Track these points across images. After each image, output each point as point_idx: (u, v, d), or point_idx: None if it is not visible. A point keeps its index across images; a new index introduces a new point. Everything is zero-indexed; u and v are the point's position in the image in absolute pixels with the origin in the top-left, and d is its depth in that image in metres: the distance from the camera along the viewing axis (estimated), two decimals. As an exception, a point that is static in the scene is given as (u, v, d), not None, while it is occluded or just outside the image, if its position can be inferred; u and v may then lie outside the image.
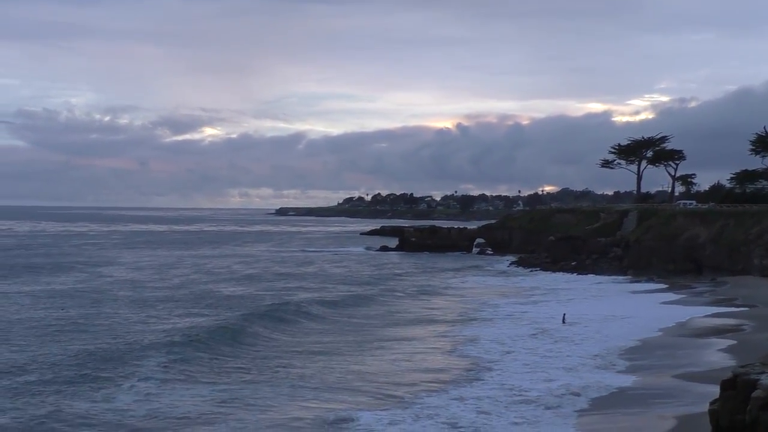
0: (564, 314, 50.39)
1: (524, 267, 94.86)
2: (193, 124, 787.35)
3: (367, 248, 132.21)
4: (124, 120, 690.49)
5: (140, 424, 26.13)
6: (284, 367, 35.51)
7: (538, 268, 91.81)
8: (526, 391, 31.16)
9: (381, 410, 28.12)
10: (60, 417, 26.50)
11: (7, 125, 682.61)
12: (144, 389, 30.42)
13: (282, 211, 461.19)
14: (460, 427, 26.32)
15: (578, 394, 30.41)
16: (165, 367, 34.40)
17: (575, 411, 28.31)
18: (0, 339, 40.75)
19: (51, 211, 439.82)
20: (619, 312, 53.65)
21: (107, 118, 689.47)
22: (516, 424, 26.77)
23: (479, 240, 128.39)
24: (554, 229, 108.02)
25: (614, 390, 31.29)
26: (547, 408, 28.65)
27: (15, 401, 28.46)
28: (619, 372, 34.91)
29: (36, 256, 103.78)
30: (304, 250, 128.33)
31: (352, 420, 26.54)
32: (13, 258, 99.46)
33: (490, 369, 35.49)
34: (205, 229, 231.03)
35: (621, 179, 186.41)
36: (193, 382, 32.16)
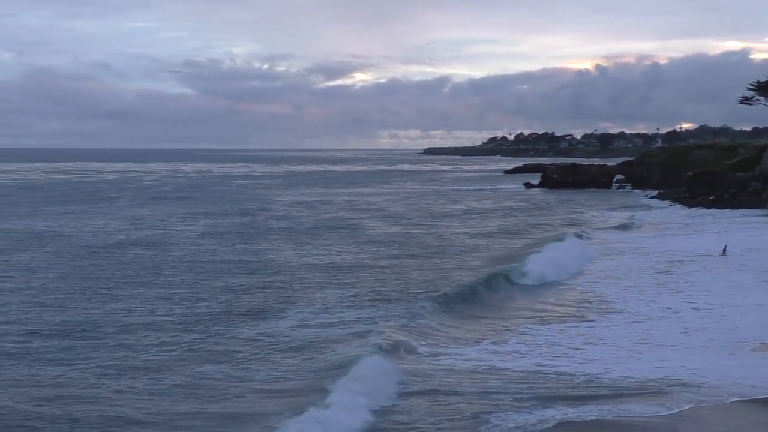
0: (725, 246, 48.59)
1: (663, 201, 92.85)
2: (345, 70, 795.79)
3: (512, 185, 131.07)
4: (281, 68, 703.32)
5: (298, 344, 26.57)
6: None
7: (676, 203, 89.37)
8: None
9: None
10: (225, 342, 27.13)
11: (176, 74, 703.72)
12: (304, 318, 30.83)
13: (430, 151, 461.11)
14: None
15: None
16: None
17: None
18: (176, 273, 41.95)
19: (215, 154, 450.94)
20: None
21: (266, 66, 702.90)
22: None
23: (618, 176, 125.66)
24: (692, 165, 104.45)
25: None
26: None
27: (187, 334, 29.03)
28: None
29: (204, 195, 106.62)
30: (454, 188, 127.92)
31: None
32: (183, 196, 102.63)
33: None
34: (357, 169, 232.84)
35: (759, 116, 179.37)
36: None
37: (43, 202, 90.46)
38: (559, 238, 52.81)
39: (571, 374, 23.66)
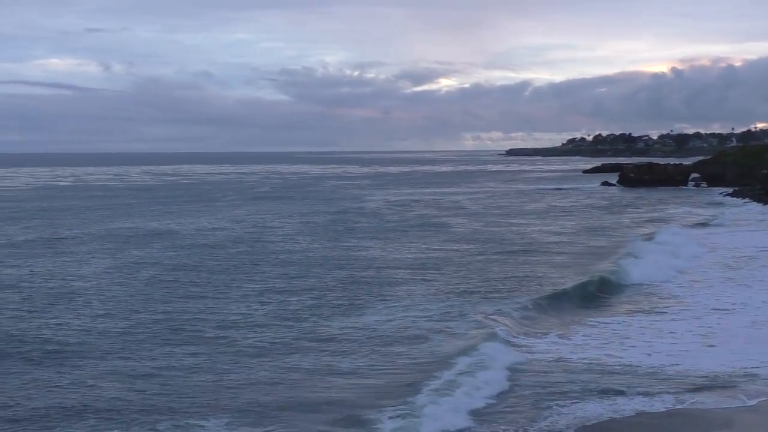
0: None
1: (738, 198, 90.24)
2: (430, 76, 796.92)
3: (590, 184, 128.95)
4: (370, 74, 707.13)
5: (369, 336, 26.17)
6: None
7: (751, 200, 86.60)
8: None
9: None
10: (312, 336, 26.83)
11: (273, 82, 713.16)
12: (387, 312, 30.44)
13: (512, 152, 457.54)
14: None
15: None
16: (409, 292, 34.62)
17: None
18: (272, 268, 41.98)
19: (310, 156, 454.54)
20: None
21: (356, 73, 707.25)
22: None
23: (694, 174, 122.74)
24: (767, 164, 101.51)
25: None
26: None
27: (276, 326, 28.87)
28: None
29: (300, 195, 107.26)
30: (536, 187, 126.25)
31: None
32: (280, 196, 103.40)
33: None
34: (443, 169, 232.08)
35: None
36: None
37: (152, 202, 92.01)
38: (644, 238, 51.14)
39: (637, 365, 22.98)
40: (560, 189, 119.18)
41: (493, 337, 25.54)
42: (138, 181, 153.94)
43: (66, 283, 36.39)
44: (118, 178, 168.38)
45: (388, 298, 32.75)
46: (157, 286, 35.66)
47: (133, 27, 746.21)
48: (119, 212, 76.52)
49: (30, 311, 30.08)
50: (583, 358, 23.92)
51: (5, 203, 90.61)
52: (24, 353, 24.14)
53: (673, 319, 29.33)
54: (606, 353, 24.56)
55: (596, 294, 34.60)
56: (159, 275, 38.57)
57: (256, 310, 30.59)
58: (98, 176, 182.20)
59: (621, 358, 23.99)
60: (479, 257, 45.06)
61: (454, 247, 49.62)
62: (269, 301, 32.42)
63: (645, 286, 36.48)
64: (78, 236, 55.22)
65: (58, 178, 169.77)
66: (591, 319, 29.91)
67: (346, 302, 32.10)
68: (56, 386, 20.99)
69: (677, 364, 23.02)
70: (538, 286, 35.21)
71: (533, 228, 61.56)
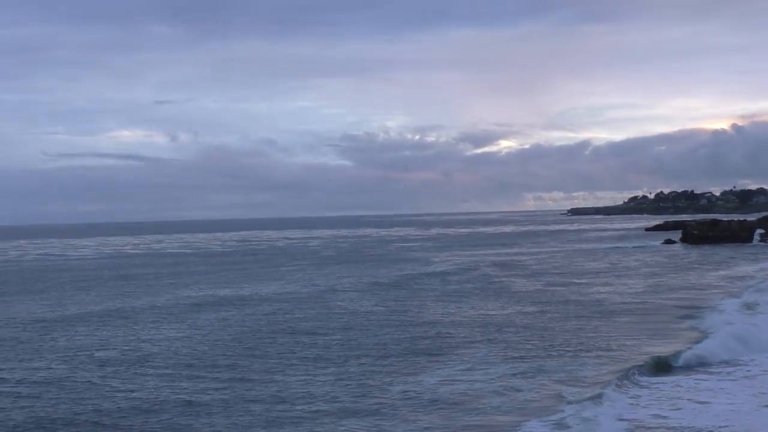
0: None
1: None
2: (490, 138, 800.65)
3: (653, 242, 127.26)
4: (431, 138, 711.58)
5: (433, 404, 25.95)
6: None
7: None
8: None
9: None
10: (373, 396, 26.77)
11: (335, 147, 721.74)
12: (448, 374, 30.21)
13: (573, 211, 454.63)
14: None
15: None
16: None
17: None
18: (334, 331, 42.10)
19: (372, 219, 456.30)
20: None
21: (417, 137, 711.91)
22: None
23: (759, 230, 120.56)
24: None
25: None
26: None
27: (338, 383, 28.92)
28: None
29: (363, 258, 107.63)
30: (598, 246, 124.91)
31: None
32: (345, 259, 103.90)
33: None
34: (505, 230, 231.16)
35: None
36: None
37: (219, 269, 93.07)
38: (715, 308, 46.51)
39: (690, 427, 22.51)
40: (623, 247, 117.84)
41: (559, 400, 25.10)
42: (206, 248, 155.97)
43: (136, 348, 36.90)
44: (186, 246, 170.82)
45: (449, 361, 32.55)
46: (222, 350, 35.96)
47: (199, 98, 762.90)
48: (187, 279, 77.56)
49: (102, 376, 30.56)
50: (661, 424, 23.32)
51: (80, 272, 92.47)
52: (96, 419, 24.52)
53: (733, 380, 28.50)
54: (652, 412, 24.09)
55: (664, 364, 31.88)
56: (224, 340, 38.93)
57: (317, 371, 30.65)
58: (167, 244, 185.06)
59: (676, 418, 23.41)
60: (542, 318, 44.62)
61: (517, 308, 49.25)
62: (329, 364, 32.45)
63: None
64: (147, 303, 56.06)
65: (130, 246, 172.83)
66: (659, 381, 29.12)
67: (406, 365, 31.97)
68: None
69: (730, 426, 22.45)
70: (603, 350, 34.33)
71: (596, 288, 60.80)
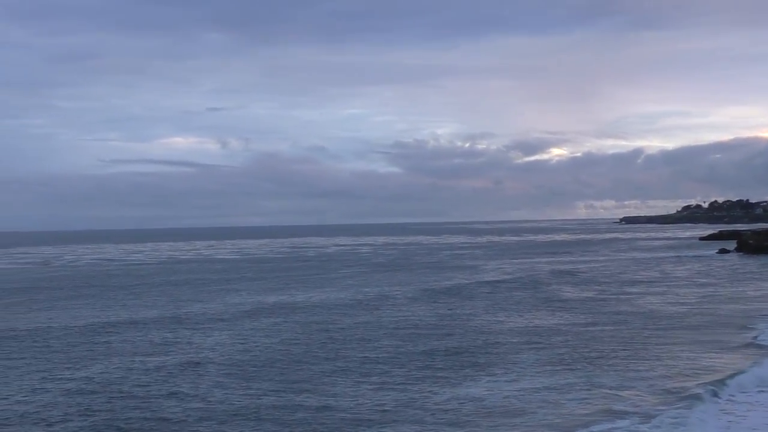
0: None
1: None
2: (541, 146, 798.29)
3: (707, 251, 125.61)
4: (481, 145, 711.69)
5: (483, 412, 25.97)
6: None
7: None
8: None
9: None
10: (417, 405, 26.84)
11: (386, 155, 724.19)
12: (494, 383, 30.21)
13: (626, 220, 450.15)
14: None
15: None
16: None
17: None
18: (382, 337, 42.30)
19: (422, 227, 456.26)
20: None
21: (467, 145, 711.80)
22: None
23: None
24: None
25: None
26: None
27: (382, 389, 29.03)
28: None
29: (413, 265, 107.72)
30: (651, 255, 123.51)
31: None
32: (395, 266, 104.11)
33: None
34: (556, 238, 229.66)
35: None
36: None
37: (269, 275, 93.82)
38: None
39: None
40: (676, 257, 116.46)
41: (607, 414, 24.84)
42: (256, 254, 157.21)
43: (188, 354, 37.45)
44: (237, 252, 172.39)
45: (495, 370, 32.56)
46: (272, 356, 36.39)
47: (251, 105, 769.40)
48: (238, 285, 78.35)
49: (154, 382, 31.08)
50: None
51: (133, 277, 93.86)
52: (147, 424, 24.98)
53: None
54: None
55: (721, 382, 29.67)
56: (274, 346, 39.36)
57: (362, 381, 30.81)
58: (218, 250, 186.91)
59: None
60: (592, 328, 44.32)
61: (566, 318, 49.02)
62: (376, 371, 32.66)
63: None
64: (199, 309, 56.79)
65: (181, 252, 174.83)
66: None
67: (452, 373, 32.05)
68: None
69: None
70: (655, 363, 33.78)
71: (648, 298, 60.20)
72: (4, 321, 50.53)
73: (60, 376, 32.26)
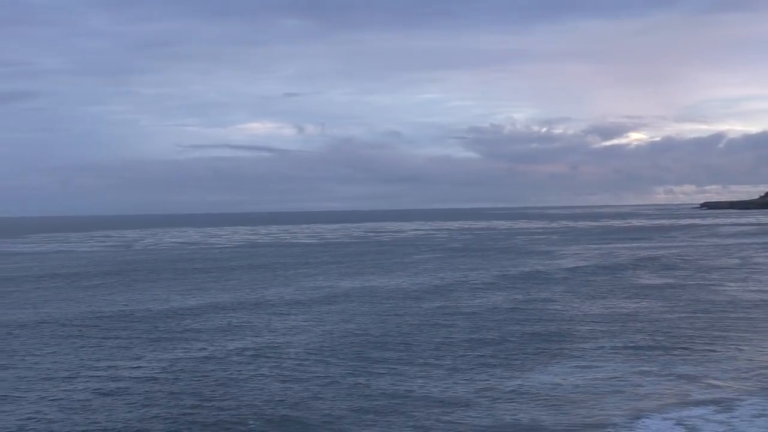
0: None
1: None
2: (619, 130, 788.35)
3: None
4: (558, 130, 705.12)
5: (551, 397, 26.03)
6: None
7: None
8: None
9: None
10: (482, 391, 27.04)
11: (461, 140, 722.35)
12: (568, 369, 30.19)
13: (706, 205, 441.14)
14: None
15: None
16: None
17: None
18: (456, 320, 42.54)
19: (498, 212, 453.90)
20: None
21: (544, 130, 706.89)
22: None
23: None
24: None
25: None
26: None
27: (457, 375, 29.24)
28: None
29: (489, 250, 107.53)
30: (732, 242, 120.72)
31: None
32: (471, 251, 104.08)
33: None
34: (635, 224, 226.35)
35: None
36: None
37: (346, 259, 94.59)
38: None
39: None
40: (759, 243, 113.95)
41: (682, 401, 24.70)
42: (332, 239, 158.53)
43: (265, 337, 38.22)
44: (313, 236, 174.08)
45: (569, 356, 32.59)
46: (348, 340, 36.97)
47: (327, 90, 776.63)
48: (314, 269, 79.27)
49: (233, 364, 31.84)
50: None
51: (212, 261, 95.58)
52: (226, 406, 25.65)
53: None
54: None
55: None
56: (350, 330, 39.92)
57: (435, 366, 31.18)
58: (294, 234, 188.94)
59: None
60: (669, 315, 43.89)
61: (644, 304, 48.58)
62: (449, 355, 33.05)
63: None
64: (276, 293, 57.72)
65: (259, 237, 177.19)
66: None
67: (526, 358, 32.24)
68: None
69: None
70: (735, 351, 33.31)
71: (728, 285, 59.21)
72: (88, 305, 52.11)
73: (144, 359, 33.20)
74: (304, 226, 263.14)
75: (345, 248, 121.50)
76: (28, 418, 24.21)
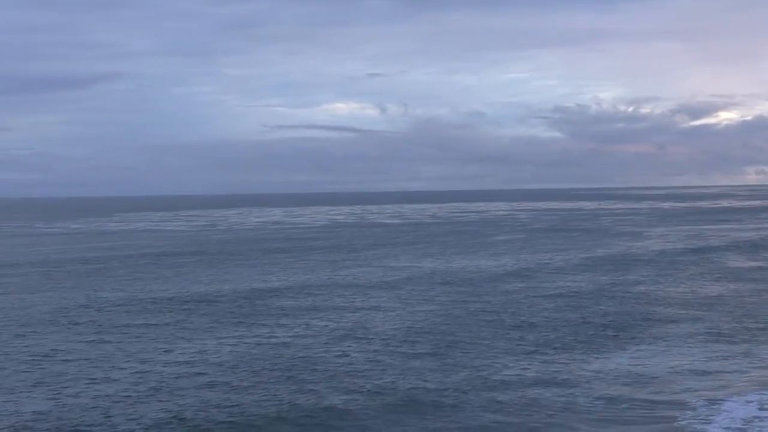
0: None
1: None
2: (709, 110, 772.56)
3: None
4: (645, 109, 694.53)
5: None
6: None
7: None
8: None
9: None
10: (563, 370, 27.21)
11: (546, 120, 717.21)
12: (648, 352, 30.14)
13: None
14: None
15: None
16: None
17: None
18: (539, 302, 42.70)
19: (584, 192, 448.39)
20: None
21: (630, 109, 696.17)
22: None
23: None
24: None
25: None
26: None
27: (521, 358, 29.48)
28: None
29: (573, 231, 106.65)
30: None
31: None
32: (555, 232, 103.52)
33: None
34: (725, 204, 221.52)
35: None
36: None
37: (428, 239, 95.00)
38: None
39: None
40: None
41: (763, 386, 24.58)
42: (415, 219, 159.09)
43: (348, 318, 38.97)
44: (396, 216, 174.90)
45: (650, 338, 32.64)
46: (430, 322, 37.51)
47: (411, 70, 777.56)
48: (396, 249, 79.84)
49: (316, 345, 32.62)
50: None
51: (296, 240, 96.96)
52: (307, 385, 26.39)
53: None
54: None
55: None
56: (433, 311, 40.41)
57: (515, 346, 31.60)
58: (378, 214, 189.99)
59: None
60: (757, 298, 43.35)
61: (731, 287, 48.03)
62: (531, 335, 33.48)
63: None
64: (359, 273, 58.48)
65: (343, 216, 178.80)
66: None
67: (606, 340, 32.44)
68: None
69: None
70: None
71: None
72: (176, 284, 53.48)
73: (223, 339, 34.10)
74: (387, 206, 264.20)
75: (428, 228, 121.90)
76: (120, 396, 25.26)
